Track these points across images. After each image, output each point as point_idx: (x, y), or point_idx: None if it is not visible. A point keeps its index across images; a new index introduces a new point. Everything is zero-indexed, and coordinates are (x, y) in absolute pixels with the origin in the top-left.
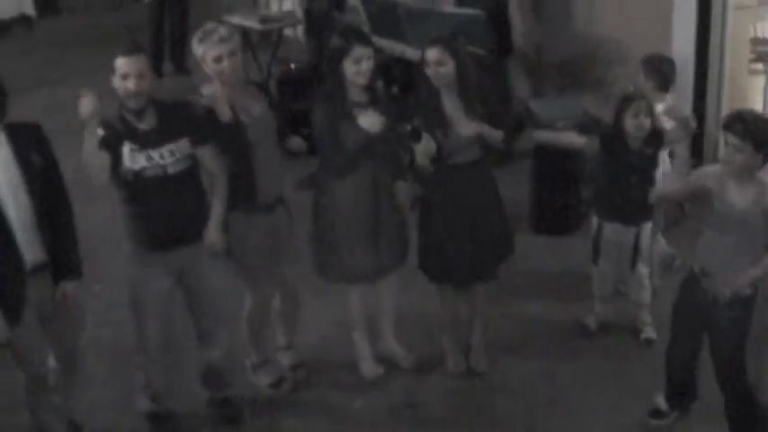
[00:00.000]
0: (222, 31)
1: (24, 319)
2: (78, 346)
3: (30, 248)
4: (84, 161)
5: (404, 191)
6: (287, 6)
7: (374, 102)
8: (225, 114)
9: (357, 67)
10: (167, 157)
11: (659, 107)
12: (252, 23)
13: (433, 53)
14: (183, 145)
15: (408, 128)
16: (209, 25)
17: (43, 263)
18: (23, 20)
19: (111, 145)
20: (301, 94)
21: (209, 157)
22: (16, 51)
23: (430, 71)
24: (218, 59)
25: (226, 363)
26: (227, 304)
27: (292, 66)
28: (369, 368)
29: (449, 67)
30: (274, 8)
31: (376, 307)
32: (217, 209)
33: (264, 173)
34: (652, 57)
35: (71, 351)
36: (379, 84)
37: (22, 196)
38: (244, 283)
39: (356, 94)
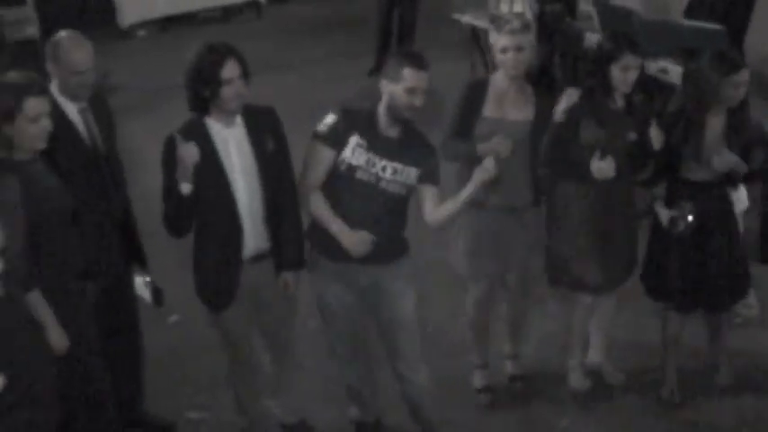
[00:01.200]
0: (516, 23)
1: (234, 305)
2: (289, 336)
3: (255, 235)
4: None
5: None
6: (517, 8)
7: (629, 112)
8: None
9: (624, 75)
10: (388, 174)
11: None
12: (482, 23)
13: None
14: (410, 172)
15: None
16: (505, 13)
17: (265, 251)
18: (253, 5)
19: (340, 135)
20: None
21: (428, 196)
22: (244, 36)
23: (733, 91)
24: (504, 50)
25: (423, 400)
26: (415, 332)
27: None
28: (578, 380)
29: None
30: (504, 9)
31: (591, 319)
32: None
33: (514, 173)
34: None
35: (282, 340)
36: (637, 97)
37: (254, 182)
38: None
39: (612, 101)
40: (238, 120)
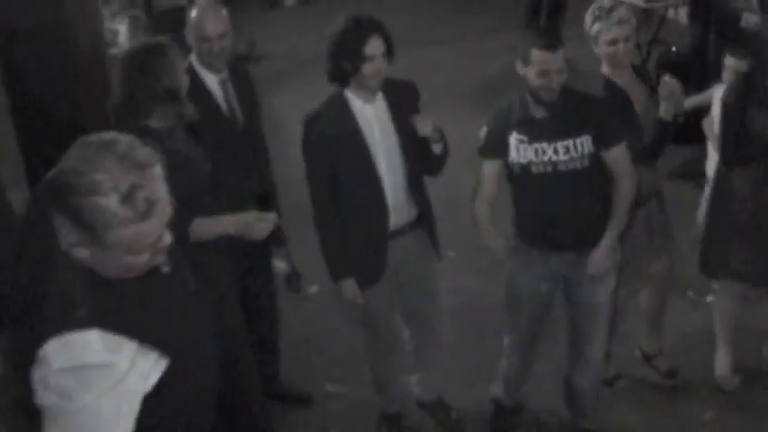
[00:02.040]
0: (622, 11)
1: (379, 282)
2: (431, 313)
3: (397, 212)
4: None
5: None
6: None
7: None
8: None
9: None
10: (561, 154)
11: None
12: (635, 1)
13: None
14: (584, 142)
15: None
16: (606, 2)
17: (407, 227)
18: None
19: (498, 140)
20: (681, 78)
21: (616, 157)
22: (391, 8)
23: None
24: (612, 42)
25: (591, 388)
26: (605, 322)
27: (673, 48)
28: (725, 377)
29: None
30: None
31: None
32: (614, 222)
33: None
34: None
35: (423, 317)
36: None
37: (396, 158)
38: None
39: None
40: (379, 95)
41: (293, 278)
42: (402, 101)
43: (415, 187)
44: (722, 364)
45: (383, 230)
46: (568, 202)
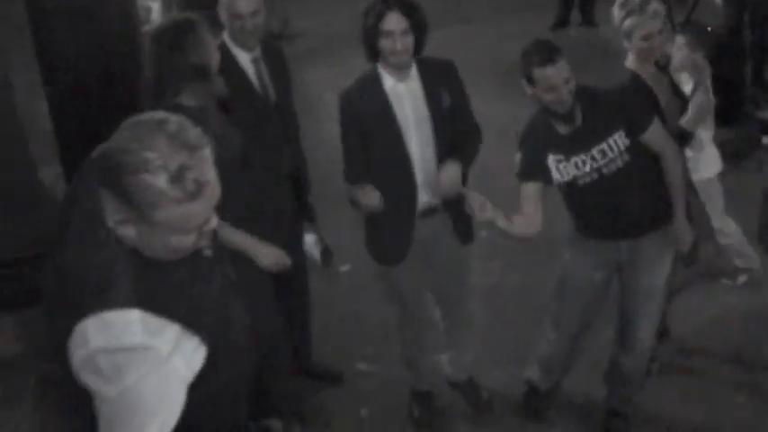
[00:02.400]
0: (655, 4)
1: (405, 261)
2: (462, 293)
3: (427, 190)
4: None
5: None
6: None
7: None
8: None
9: None
10: (599, 160)
11: None
12: None
13: None
14: (617, 139)
15: None
16: None
17: (437, 206)
18: None
19: (535, 163)
20: (716, 58)
21: (654, 137)
22: None
23: None
24: (647, 37)
25: (638, 369)
26: (659, 308)
27: (708, 29)
28: None
29: None
30: None
31: None
32: (677, 197)
33: None
34: None
35: (454, 296)
36: None
37: (428, 136)
38: None
39: None
40: (413, 72)
41: (326, 254)
42: (437, 80)
43: None
44: None
45: (411, 207)
46: (621, 199)
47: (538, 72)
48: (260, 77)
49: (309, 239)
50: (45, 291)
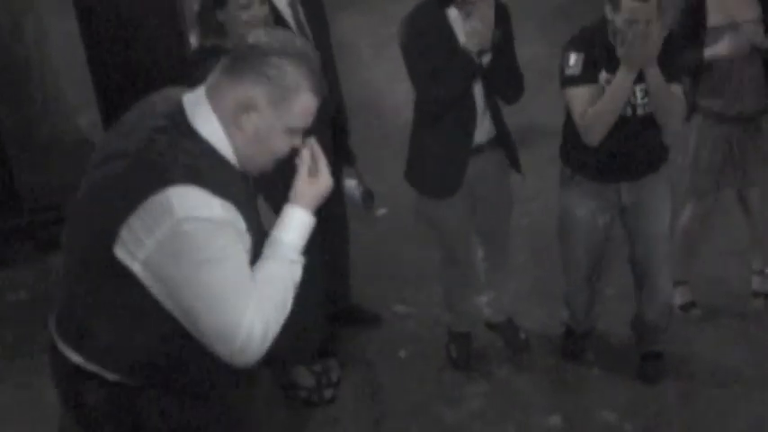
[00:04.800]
0: None
1: (454, 197)
2: (505, 233)
3: (479, 127)
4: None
5: None
6: None
7: None
8: None
9: None
10: (639, 98)
11: None
12: None
13: None
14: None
15: None
16: None
17: (485, 144)
18: None
19: (592, 71)
20: None
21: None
22: None
23: None
24: None
25: (661, 318)
26: (667, 247)
27: None
28: None
29: None
30: None
31: None
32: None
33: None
34: None
35: (497, 237)
36: None
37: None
38: (688, 194)
39: None
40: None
41: (367, 197)
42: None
43: (494, 105)
44: None
45: (468, 142)
46: (638, 142)
47: (627, 2)
48: (297, 19)
49: (350, 183)
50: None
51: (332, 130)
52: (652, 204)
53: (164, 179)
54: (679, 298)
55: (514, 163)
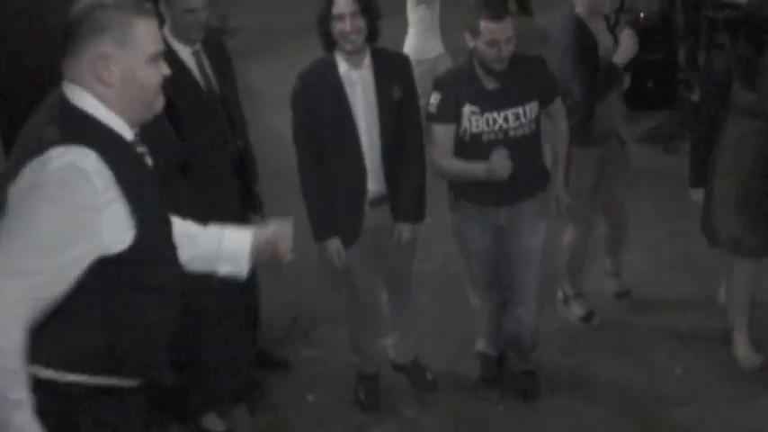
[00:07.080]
0: None
1: (359, 246)
2: (407, 277)
3: (373, 178)
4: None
5: None
6: None
7: None
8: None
9: None
10: (511, 122)
11: None
12: None
13: None
14: (532, 107)
15: None
16: None
17: (383, 195)
18: None
19: (452, 110)
20: (649, 44)
21: (556, 104)
22: None
23: None
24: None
25: (526, 334)
26: (537, 269)
27: (642, 15)
28: (745, 355)
29: None
30: None
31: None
32: (560, 162)
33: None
34: None
35: (400, 281)
36: None
37: (375, 128)
38: (569, 213)
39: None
40: (367, 62)
41: None
42: (390, 72)
43: (388, 160)
44: (741, 340)
45: (362, 191)
46: (514, 165)
47: (485, 25)
48: (202, 70)
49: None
50: None
51: (239, 176)
52: (526, 225)
53: (46, 144)
54: (577, 310)
55: (407, 216)
